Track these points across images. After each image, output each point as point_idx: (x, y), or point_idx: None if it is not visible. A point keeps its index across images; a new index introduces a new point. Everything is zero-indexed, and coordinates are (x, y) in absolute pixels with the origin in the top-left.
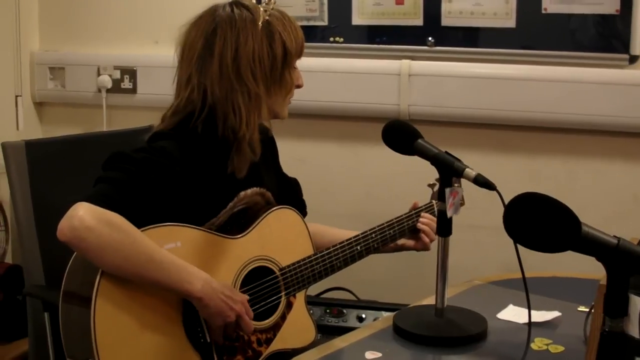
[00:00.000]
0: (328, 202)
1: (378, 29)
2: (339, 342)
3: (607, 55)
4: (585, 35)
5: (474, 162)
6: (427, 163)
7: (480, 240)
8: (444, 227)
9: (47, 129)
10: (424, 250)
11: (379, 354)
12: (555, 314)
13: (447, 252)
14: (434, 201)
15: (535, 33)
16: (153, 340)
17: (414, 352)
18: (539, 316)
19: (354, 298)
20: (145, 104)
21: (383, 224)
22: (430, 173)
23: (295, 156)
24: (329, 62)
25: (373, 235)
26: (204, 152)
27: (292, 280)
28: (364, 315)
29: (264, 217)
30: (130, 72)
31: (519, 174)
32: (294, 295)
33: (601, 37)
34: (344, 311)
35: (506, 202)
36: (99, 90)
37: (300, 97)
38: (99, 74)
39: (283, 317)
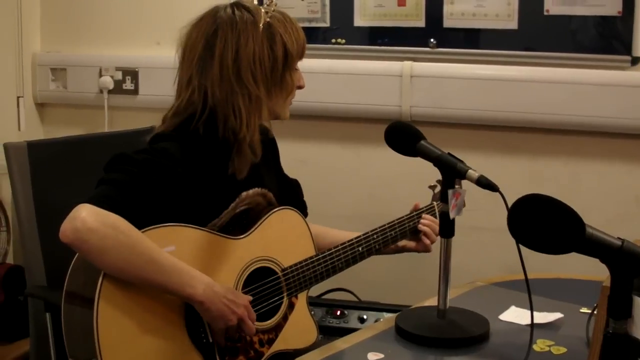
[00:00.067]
0: (330, 203)
1: (380, 30)
2: (341, 343)
3: (609, 56)
4: (587, 37)
5: (475, 163)
6: (428, 164)
7: (482, 241)
8: (447, 229)
9: (49, 129)
10: (425, 252)
11: (381, 355)
12: (557, 315)
13: (450, 254)
14: (435, 203)
15: (537, 35)
16: (156, 340)
17: (416, 353)
18: (541, 317)
19: (355, 299)
20: (147, 105)
21: (384, 225)
22: (432, 174)
23: (297, 157)
24: (331, 64)
25: (374, 236)
26: (205, 154)
27: (294, 281)
28: (365, 317)
29: (266, 217)
30: (132, 73)
31: (520, 175)
32: (296, 296)
33: (603, 38)
34: (345, 312)
35: (508, 203)
36: (101, 91)
37: (302, 99)
38: (100, 75)
39: (285, 318)
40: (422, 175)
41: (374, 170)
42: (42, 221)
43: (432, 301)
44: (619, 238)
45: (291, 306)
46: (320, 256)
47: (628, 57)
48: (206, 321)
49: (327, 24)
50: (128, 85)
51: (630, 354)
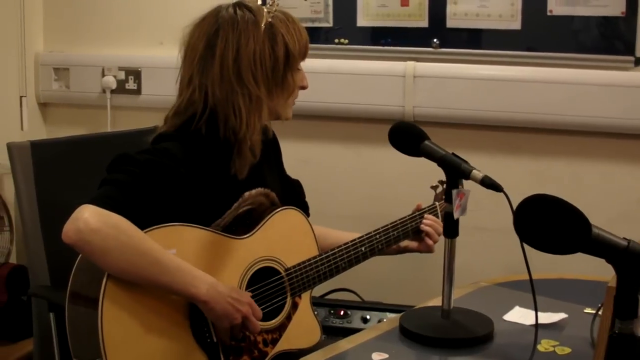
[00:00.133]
0: (332, 203)
1: (383, 30)
2: (345, 344)
3: (612, 57)
4: (591, 37)
5: (478, 163)
6: (431, 165)
7: (485, 241)
8: (451, 229)
9: (52, 129)
10: (428, 253)
11: (386, 355)
12: (561, 315)
13: (454, 254)
14: (437, 203)
15: (540, 35)
16: (160, 340)
17: (420, 353)
18: (545, 318)
19: (358, 299)
20: (150, 105)
21: (387, 225)
22: (435, 175)
23: (299, 157)
24: (334, 64)
25: (377, 236)
26: (208, 153)
27: (297, 280)
28: (368, 317)
29: (269, 217)
30: (134, 73)
31: (523, 175)
32: (300, 296)
33: (606, 39)
34: (349, 312)
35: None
36: (104, 91)
37: (304, 99)
38: (103, 75)
39: (289, 318)
40: (425, 175)
41: (377, 171)
42: (45, 221)
43: (436, 301)
44: (624, 238)
45: (295, 306)
46: (324, 256)
47: (631, 58)
48: (210, 321)
49: (330, 24)
50: (131, 85)
51: (637, 354)
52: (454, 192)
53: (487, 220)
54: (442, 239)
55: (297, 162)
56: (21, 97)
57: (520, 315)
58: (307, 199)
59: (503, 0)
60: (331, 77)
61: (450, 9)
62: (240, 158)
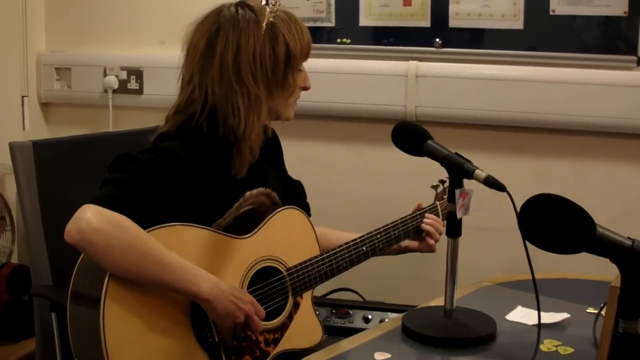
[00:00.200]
0: (334, 203)
1: (385, 30)
2: (348, 343)
3: (614, 57)
4: (593, 37)
5: (480, 163)
6: (432, 164)
7: (487, 241)
8: (454, 228)
9: (53, 129)
10: (429, 252)
11: (388, 355)
12: (564, 315)
13: (457, 254)
14: (437, 202)
15: (542, 35)
16: (162, 340)
17: (423, 353)
18: (547, 318)
19: (360, 299)
20: (152, 105)
21: (388, 224)
22: (436, 174)
23: (301, 157)
24: (336, 63)
25: (378, 235)
26: (209, 153)
27: (298, 280)
28: (370, 316)
29: (271, 217)
30: (136, 73)
31: (526, 175)
32: (301, 296)
33: (609, 38)
34: (350, 312)
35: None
36: (105, 91)
37: (306, 98)
38: (105, 75)
39: (290, 317)
40: (426, 175)
41: (379, 170)
42: (47, 220)
43: (438, 301)
44: (629, 238)
45: (296, 306)
46: (325, 255)
47: (634, 58)
48: (213, 320)
49: (332, 24)
50: (132, 84)
51: None
52: (457, 191)
53: (489, 220)
54: (443, 238)
55: (299, 162)
56: (23, 97)
57: (523, 315)
58: (309, 198)
59: (505, 0)
60: (333, 76)
61: (452, 8)
62: (239, 157)
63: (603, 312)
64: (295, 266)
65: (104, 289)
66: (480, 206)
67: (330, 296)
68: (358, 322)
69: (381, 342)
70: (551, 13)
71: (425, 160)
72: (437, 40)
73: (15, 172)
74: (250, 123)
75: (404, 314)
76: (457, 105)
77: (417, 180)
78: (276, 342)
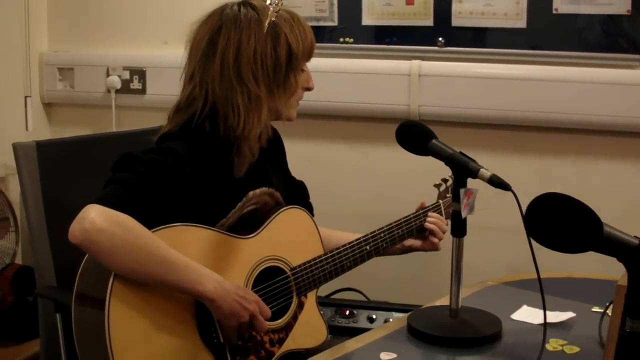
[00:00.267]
0: (337, 202)
1: (388, 29)
2: (353, 343)
3: (617, 55)
4: (596, 36)
5: (483, 162)
6: (436, 164)
7: (491, 241)
8: (459, 228)
9: (56, 129)
10: (433, 250)
11: (394, 355)
12: (569, 314)
13: (462, 253)
14: (440, 201)
15: (545, 33)
16: (167, 340)
17: (429, 352)
18: (553, 317)
19: (364, 299)
20: (155, 105)
21: (391, 223)
22: (440, 173)
23: (304, 157)
24: (339, 63)
25: (381, 235)
26: (212, 153)
27: (303, 280)
28: (374, 316)
29: (274, 217)
30: (139, 73)
31: (528, 174)
32: (305, 295)
33: (612, 37)
34: (355, 312)
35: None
36: (108, 91)
37: (309, 98)
38: (108, 75)
39: (295, 317)
40: (430, 174)
41: (382, 170)
42: (51, 221)
43: (443, 301)
44: (635, 237)
45: (301, 305)
46: (329, 255)
47: (637, 56)
48: (218, 319)
49: (334, 23)
50: (135, 84)
51: None
52: (462, 191)
53: (493, 220)
54: (447, 238)
55: (302, 162)
56: (26, 97)
57: (528, 315)
58: (312, 198)
59: None
60: (336, 76)
61: (455, 7)
62: (239, 157)
63: (609, 311)
64: (300, 266)
65: (109, 289)
66: (484, 205)
67: (335, 296)
68: (362, 322)
69: (386, 342)
70: (554, 12)
71: (428, 159)
72: (440, 39)
73: (19, 173)
74: (249, 122)
75: (409, 313)
76: (460, 104)
77: (420, 179)
78: (281, 342)
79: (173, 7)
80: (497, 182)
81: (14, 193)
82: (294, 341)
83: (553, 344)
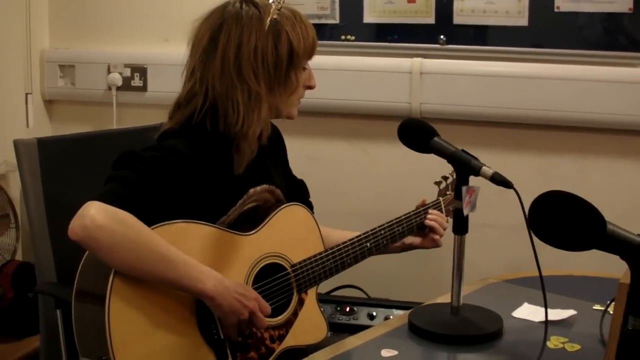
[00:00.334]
0: (338, 200)
1: (389, 27)
2: (355, 340)
3: (619, 53)
4: (597, 34)
5: (484, 160)
6: (437, 161)
7: (492, 238)
8: (460, 225)
9: (57, 126)
10: (434, 247)
11: (395, 352)
12: (570, 312)
13: (463, 251)
14: (441, 198)
15: (547, 31)
16: (167, 337)
17: (430, 350)
18: (554, 314)
19: (364, 296)
20: (156, 102)
21: (392, 221)
22: (441, 171)
23: (305, 154)
24: (340, 60)
25: (382, 232)
26: (213, 150)
27: (303, 276)
28: (374, 313)
29: (275, 214)
30: (140, 70)
31: (529, 172)
32: (306, 292)
33: (613, 35)
34: (355, 309)
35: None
36: (109, 88)
37: (310, 95)
38: (109, 72)
39: (295, 314)
40: (431, 172)
41: (383, 167)
42: (52, 217)
43: (444, 298)
44: (639, 235)
45: (301, 302)
46: (329, 252)
47: (638, 54)
48: (218, 317)
49: (336, 21)
50: (136, 82)
51: None
52: (464, 188)
53: (494, 217)
54: (448, 235)
55: (303, 159)
56: (27, 94)
57: (530, 312)
58: (313, 196)
59: None
60: (337, 73)
61: (457, 5)
62: (238, 154)
63: (610, 309)
64: (300, 263)
65: (109, 286)
66: (486, 203)
67: (335, 293)
68: (363, 319)
69: (388, 339)
70: (556, 10)
71: (429, 157)
72: (442, 37)
73: (20, 170)
74: (249, 120)
75: (410, 310)
76: (461, 102)
77: (420, 177)
78: (281, 338)
79: (174, 4)
80: (499, 180)
81: (15, 190)
82: (294, 338)
83: (554, 342)
